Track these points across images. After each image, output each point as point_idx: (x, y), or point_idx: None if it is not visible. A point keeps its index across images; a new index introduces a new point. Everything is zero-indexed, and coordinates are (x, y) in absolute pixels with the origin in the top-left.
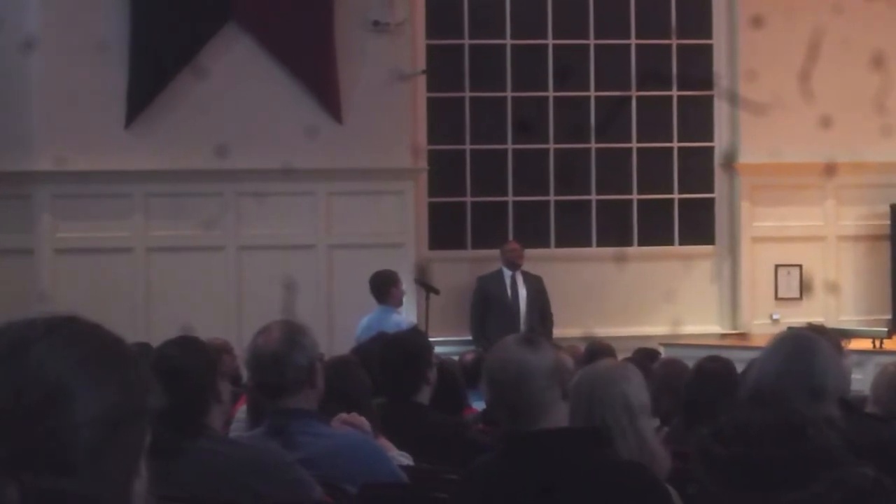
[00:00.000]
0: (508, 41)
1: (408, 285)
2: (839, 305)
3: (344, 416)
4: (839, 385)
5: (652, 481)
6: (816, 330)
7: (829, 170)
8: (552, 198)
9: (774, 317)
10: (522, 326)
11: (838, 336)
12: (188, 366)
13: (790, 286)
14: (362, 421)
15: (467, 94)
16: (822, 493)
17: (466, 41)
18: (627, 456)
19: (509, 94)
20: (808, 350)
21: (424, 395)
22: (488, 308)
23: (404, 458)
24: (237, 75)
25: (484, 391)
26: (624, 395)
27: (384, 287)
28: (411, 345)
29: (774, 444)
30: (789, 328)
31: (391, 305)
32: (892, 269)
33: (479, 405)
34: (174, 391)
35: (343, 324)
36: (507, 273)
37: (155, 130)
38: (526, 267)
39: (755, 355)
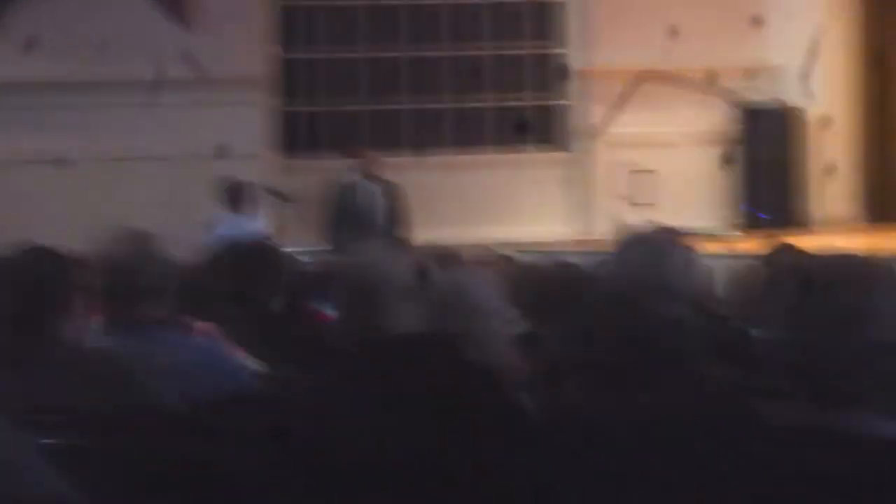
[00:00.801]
0: None
1: (260, 195)
2: (692, 209)
3: (197, 323)
4: (690, 286)
5: (503, 387)
6: (667, 232)
7: (681, 75)
8: (405, 106)
9: (626, 221)
10: (378, 234)
11: (689, 238)
12: (39, 275)
13: (642, 190)
14: (215, 329)
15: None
16: (676, 396)
17: None
18: (481, 362)
19: (360, 0)
20: (658, 251)
21: (276, 303)
22: (344, 216)
23: (257, 366)
24: None
25: (337, 297)
26: (476, 301)
27: (236, 196)
28: (263, 253)
29: (626, 347)
30: (640, 230)
31: (243, 214)
32: (744, 173)
33: (331, 312)
34: (25, 300)
35: (195, 234)
36: (363, 181)
37: (2, 41)
38: (381, 174)
39: (607, 259)
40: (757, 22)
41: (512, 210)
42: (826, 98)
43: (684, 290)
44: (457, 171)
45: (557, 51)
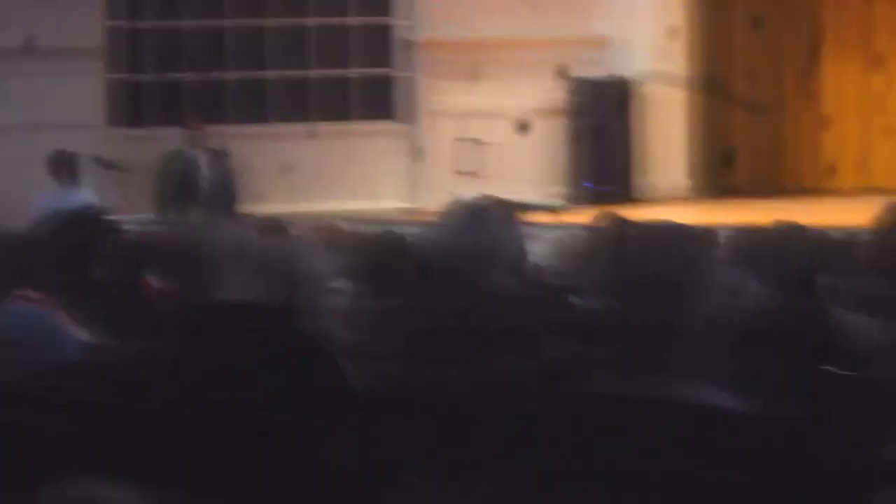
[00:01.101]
0: None
1: (88, 164)
2: (527, 182)
3: (23, 293)
4: (519, 257)
5: (329, 357)
6: (496, 203)
7: (508, 45)
8: (233, 75)
9: (455, 192)
10: (207, 204)
11: (515, 208)
12: None
13: (471, 161)
14: (47, 299)
15: None
16: (507, 368)
17: None
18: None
19: None
20: (487, 223)
21: (103, 272)
22: (174, 186)
23: (86, 335)
24: None
25: (164, 266)
26: (303, 270)
27: (62, 166)
28: (88, 222)
29: (453, 318)
30: (469, 202)
31: (70, 184)
32: (574, 144)
33: (159, 281)
34: None
35: (24, 204)
36: (194, 151)
37: None
38: (210, 144)
39: (436, 230)
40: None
41: (344, 182)
42: (662, 67)
43: (512, 262)
44: (287, 141)
45: (389, 21)
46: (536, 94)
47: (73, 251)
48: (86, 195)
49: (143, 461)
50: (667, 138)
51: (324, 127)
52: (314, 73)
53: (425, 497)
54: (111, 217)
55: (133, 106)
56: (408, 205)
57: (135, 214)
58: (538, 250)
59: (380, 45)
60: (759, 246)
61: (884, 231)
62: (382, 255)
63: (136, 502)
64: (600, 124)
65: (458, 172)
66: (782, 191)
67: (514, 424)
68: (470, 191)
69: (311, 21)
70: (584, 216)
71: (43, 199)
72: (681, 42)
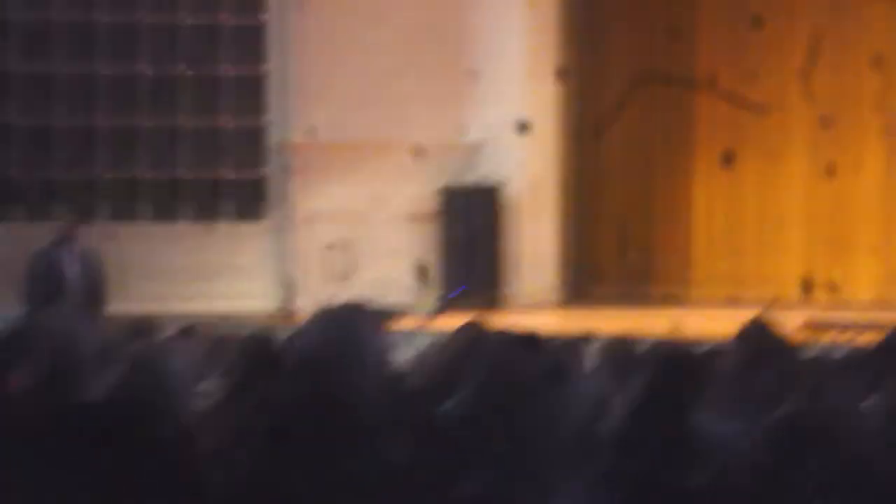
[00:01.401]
0: None
1: None
2: (390, 284)
3: None
4: (380, 361)
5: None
6: (360, 307)
7: (381, 149)
8: (104, 174)
9: (324, 295)
10: (73, 302)
11: (382, 313)
12: None
13: (342, 264)
14: None
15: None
16: (358, 468)
17: None
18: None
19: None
20: (349, 326)
21: None
22: (39, 283)
23: None
24: None
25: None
26: (169, 371)
27: None
28: None
29: (314, 417)
30: (333, 305)
31: None
32: (442, 249)
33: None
34: None
35: None
36: (60, 248)
37: None
38: (79, 243)
39: (300, 332)
40: (460, 98)
41: (214, 283)
42: (535, 173)
43: (376, 366)
44: (158, 241)
45: (259, 122)
46: (409, 198)
47: None
48: None
49: None
50: (536, 245)
51: (195, 227)
52: (187, 173)
53: None
54: None
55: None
56: (277, 307)
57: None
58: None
59: (253, 146)
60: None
61: (745, 342)
62: (249, 357)
63: None
64: (470, 230)
65: (329, 275)
66: (651, 299)
67: None
68: (339, 294)
69: (185, 121)
70: (451, 321)
71: None
72: (552, 151)
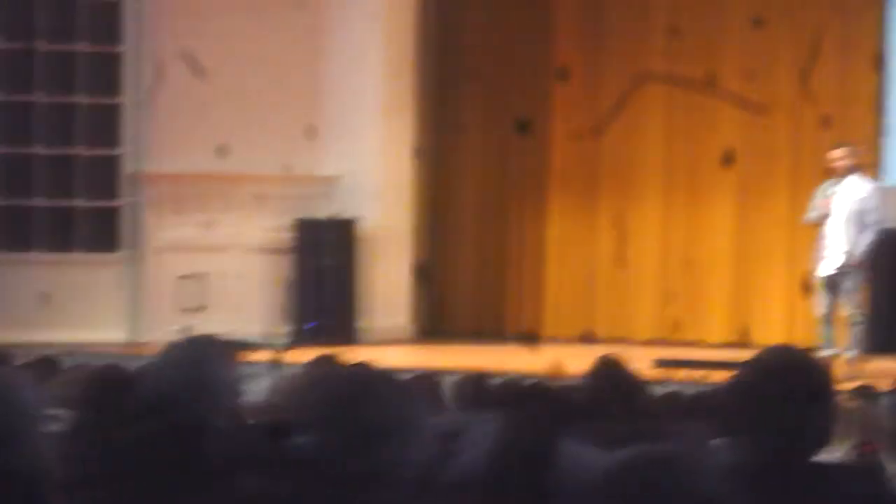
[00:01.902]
0: None
1: None
2: (246, 318)
3: None
4: (231, 394)
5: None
6: (211, 340)
7: (237, 180)
8: None
9: (178, 327)
10: None
11: (234, 346)
12: None
13: (194, 296)
14: None
15: None
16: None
17: None
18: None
19: None
20: (200, 359)
21: None
22: None
23: None
24: None
25: None
26: (15, 402)
27: None
28: None
29: (164, 449)
30: (184, 337)
31: None
32: (298, 282)
33: None
34: None
35: None
36: None
37: None
38: None
39: (150, 364)
40: (312, 132)
41: (66, 313)
42: (390, 208)
43: (227, 399)
44: (8, 270)
45: (113, 152)
46: (263, 230)
47: None
48: None
49: None
50: (391, 280)
51: (47, 257)
52: (39, 202)
53: None
54: None
55: None
56: (130, 338)
57: None
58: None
59: (106, 176)
60: (480, 391)
61: (595, 379)
62: (99, 387)
63: None
64: (323, 264)
65: (182, 307)
66: (503, 336)
67: None
68: (192, 326)
69: (39, 150)
70: (304, 356)
71: None
72: (409, 186)
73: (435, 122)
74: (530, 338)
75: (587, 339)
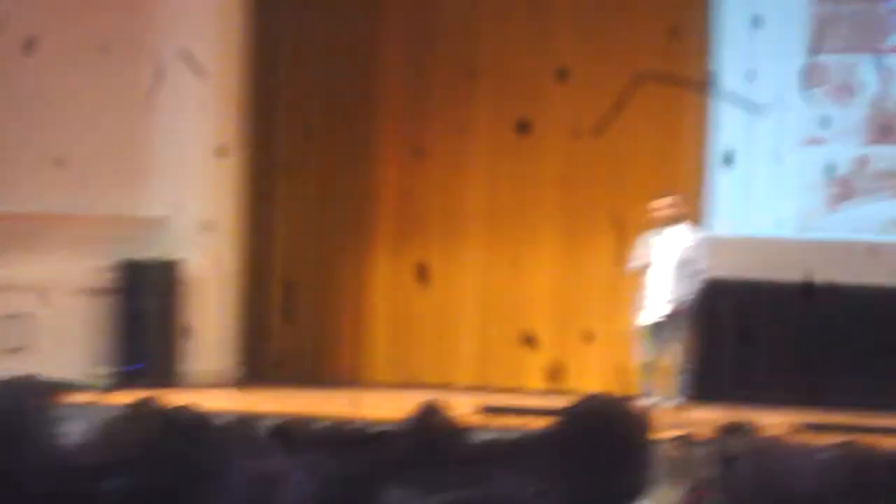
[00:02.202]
0: None
1: None
2: (64, 358)
3: None
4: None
5: None
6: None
7: (57, 221)
8: None
9: None
10: None
11: (52, 387)
12: None
13: (12, 337)
14: None
15: None
16: None
17: None
18: None
19: None
20: (14, 398)
21: None
22: None
23: None
24: None
25: None
26: None
27: None
28: None
29: None
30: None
31: None
32: (120, 324)
33: None
34: None
35: None
36: None
37: None
38: None
39: None
40: (137, 174)
41: None
42: (215, 251)
43: (40, 440)
44: None
45: None
46: (83, 271)
47: None
48: None
49: None
50: (214, 324)
51: None
52: None
53: None
54: None
55: None
56: None
57: None
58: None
59: None
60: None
61: (416, 424)
62: None
63: None
64: (144, 306)
65: (3, 347)
66: (326, 382)
67: None
68: (10, 367)
69: None
70: (124, 398)
71: None
72: (234, 228)
73: (262, 163)
74: (348, 380)
75: (411, 384)
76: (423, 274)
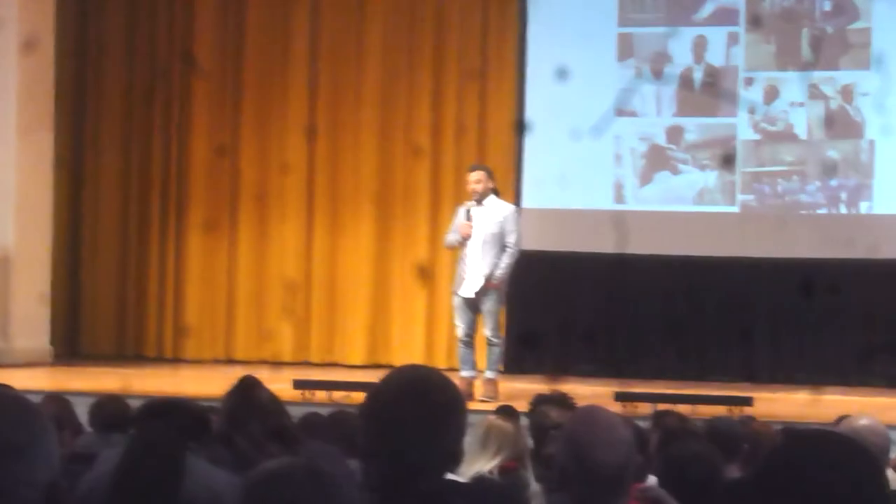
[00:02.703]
0: None
1: None
2: None
3: None
4: None
5: None
6: None
7: None
8: None
9: None
10: None
11: None
12: None
13: None
14: None
15: None
16: None
17: None
18: None
19: None
20: None
21: None
22: None
23: None
24: None
25: None
26: None
27: None
28: None
29: None
30: None
31: None
32: None
33: None
34: None
35: None
36: None
37: None
38: None
39: None
40: None
41: None
42: (27, 229)
43: None
44: None
45: None
46: None
47: None
48: None
49: None
50: (29, 302)
51: None
52: None
53: None
54: None
55: None
56: None
57: None
58: None
59: None
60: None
61: (232, 398)
62: None
63: None
64: None
65: None
66: (138, 358)
67: None
68: None
69: None
70: None
71: None
72: (46, 205)
73: (75, 137)
74: (167, 357)
75: (229, 361)
76: (239, 244)
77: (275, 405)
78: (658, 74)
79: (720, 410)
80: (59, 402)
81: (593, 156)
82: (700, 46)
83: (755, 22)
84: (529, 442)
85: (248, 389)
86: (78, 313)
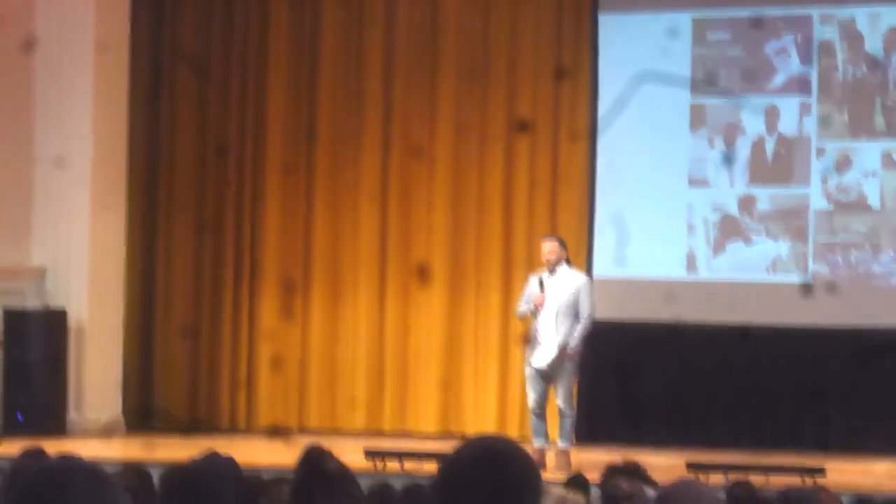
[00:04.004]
0: None
1: None
2: None
3: None
4: None
5: None
6: None
7: None
8: None
9: None
10: None
11: None
12: None
13: None
14: None
15: None
16: None
17: None
18: None
19: None
20: None
21: None
22: None
23: None
24: None
25: None
26: None
27: None
28: None
29: None
30: None
31: None
32: (5, 375)
33: None
34: None
35: None
36: None
37: None
38: None
39: None
40: (26, 221)
41: None
42: (100, 299)
43: None
44: None
45: None
46: None
47: None
48: None
49: None
50: (102, 372)
51: None
52: None
53: None
54: None
55: None
56: None
57: None
58: None
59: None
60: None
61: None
62: None
63: None
64: (32, 356)
65: None
66: (214, 430)
67: None
68: None
69: None
70: (11, 448)
71: None
72: (120, 278)
73: (147, 216)
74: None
75: (299, 430)
76: (308, 317)
77: (344, 475)
78: (730, 144)
79: (793, 480)
80: (136, 472)
81: (665, 225)
82: (772, 116)
83: (827, 92)
84: None
85: (315, 459)
86: (150, 383)
